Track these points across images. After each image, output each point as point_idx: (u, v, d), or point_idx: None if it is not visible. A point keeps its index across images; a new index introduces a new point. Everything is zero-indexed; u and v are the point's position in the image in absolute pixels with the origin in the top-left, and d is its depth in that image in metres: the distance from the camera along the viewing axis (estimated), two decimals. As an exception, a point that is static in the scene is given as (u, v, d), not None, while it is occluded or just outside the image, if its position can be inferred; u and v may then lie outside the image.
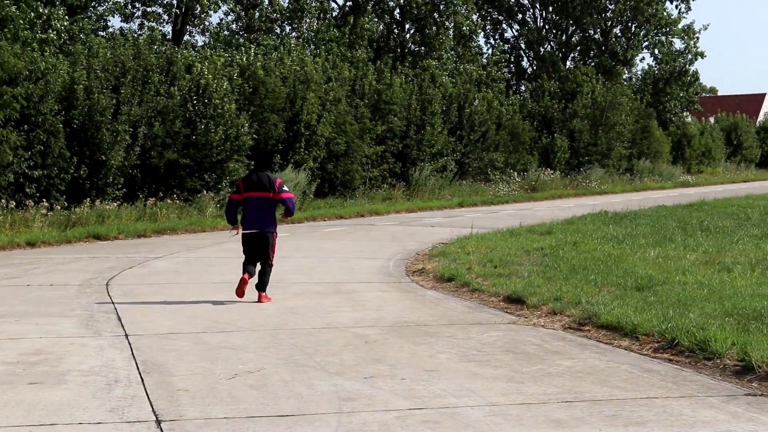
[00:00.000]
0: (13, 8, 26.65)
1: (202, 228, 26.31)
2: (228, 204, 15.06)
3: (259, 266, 14.20)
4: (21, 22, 26.69)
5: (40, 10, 29.85)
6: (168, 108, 28.89)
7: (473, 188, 42.47)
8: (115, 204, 26.58)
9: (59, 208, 25.28)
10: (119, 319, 11.87)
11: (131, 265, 18.01)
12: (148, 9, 39.47)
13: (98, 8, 36.36)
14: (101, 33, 34.50)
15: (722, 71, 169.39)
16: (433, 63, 47.84)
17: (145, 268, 17.76)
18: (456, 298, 13.82)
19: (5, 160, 24.12)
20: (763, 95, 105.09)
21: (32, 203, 24.62)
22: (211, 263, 18.51)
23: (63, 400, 7.85)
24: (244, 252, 14.37)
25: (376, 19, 51.49)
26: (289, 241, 23.05)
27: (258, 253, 14.28)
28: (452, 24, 52.64)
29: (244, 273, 13.95)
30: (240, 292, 13.74)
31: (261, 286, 14.07)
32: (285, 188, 14.63)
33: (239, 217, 14.54)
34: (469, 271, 15.84)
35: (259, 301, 13.90)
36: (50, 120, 25.41)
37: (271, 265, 14.40)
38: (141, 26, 38.64)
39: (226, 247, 21.45)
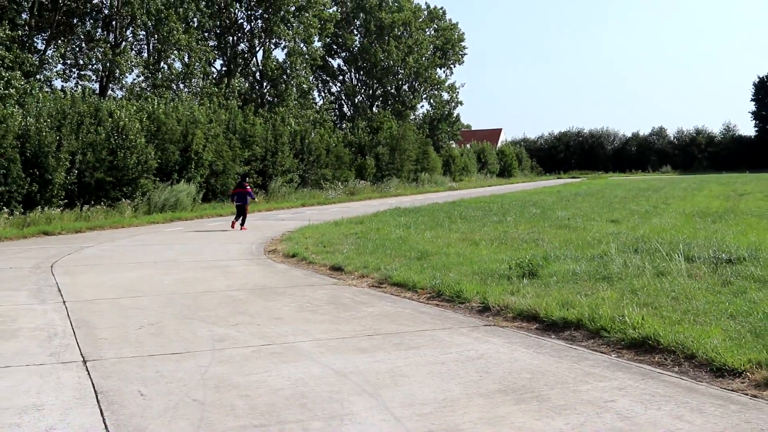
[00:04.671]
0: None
1: (122, 225, 25.49)
2: (231, 194, 25.24)
3: (241, 219, 23.57)
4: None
5: (3, 73, 28.48)
6: (96, 142, 27.99)
7: (311, 194, 42.38)
8: (59, 210, 25.60)
9: (18, 213, 24.29)
10: (59, 291, 11.46)
11: (70, 252, 17.38)
12: (82, 72, 38.06)
13: (45, 72, 34.87)
14: (47, 89, 33.04)
15: (474, 113, 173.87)
16: (283, 110, 47.58)
17: (80, 254, 17.16)
18: (297, 269, 13.77)
19: (-23, 180, 23.02)
20: (500, 130, 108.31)
21: (-2, 210, 23.61)
22: (127, 250, 18.01)
23: (16, 349, 7.59)
24: (236, 211, 23.94)
25: (243, 79, 50.87)
26: (184, 233, 22.63)
27: (240, 213, 23.71)
28: (296, 83, 52.42)
29: (233, 222, 23.75)
30: (233, 226, 23.54)
31: (242, 225, 23.52)
32: (249, 189, 24.45)
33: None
34: (307, 249, 15.80)
35: (241, 229, 22.97)
36: (9, 152, 24.35)
37: (245, 218, 23.71)
38: (76, 84, 37.15)
39: (138, 239, 20.94)
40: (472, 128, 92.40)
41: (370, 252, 14.57)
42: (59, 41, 36.75)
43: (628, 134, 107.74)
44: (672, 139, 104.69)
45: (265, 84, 52.59)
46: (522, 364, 6.68)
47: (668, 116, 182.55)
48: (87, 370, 6.70)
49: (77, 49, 38.02)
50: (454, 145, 75.19)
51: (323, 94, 69.50)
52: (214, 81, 46.50)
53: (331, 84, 70.37)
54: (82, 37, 37.87)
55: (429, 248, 14.57)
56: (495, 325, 8.39)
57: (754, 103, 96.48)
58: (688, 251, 11.99)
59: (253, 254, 16.49)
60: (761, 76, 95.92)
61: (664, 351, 6.83)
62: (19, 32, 32.26)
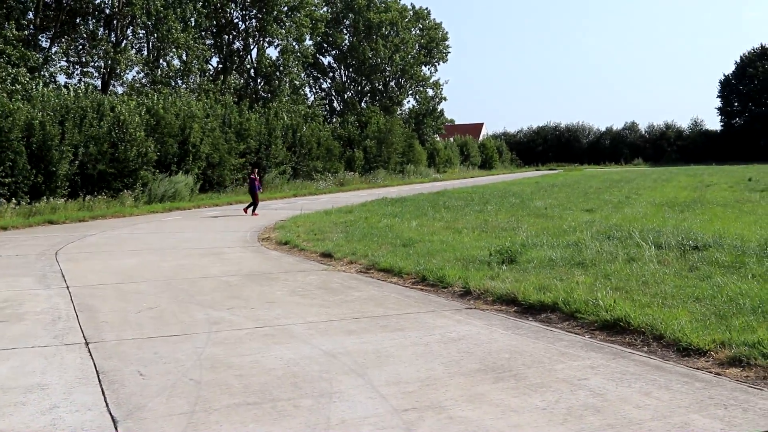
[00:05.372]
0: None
1: (123, 215, 25.37)
2: (250, 181, 25.99)
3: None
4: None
5: (9, 69, 28.23)
6: (98, 135, 27.81)
7: (303, 185, 42.24)
8: (63, 200, 25.46)
9: (24, 203, 24.13)
10: (63, 276, 11.42)
11: (73, 240, 17.30)
12: (85, 69, 37.72)
13: (50, 69, 34.55)
14: (51, 85, 32.75)
15: (457, 108, 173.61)
16: (276, 105, 47.40)
17: (83, 242, 17.09)
18: (289, 255, 13.76)
19: (-16, 172, 22.85)
20: (481, 124, 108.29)
21: (4, 201, 23.45)
22: (128, 238, 17.95)
23: (22, 331, 7.57)
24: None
25: (238, 76, 50.63)
26: (182, 222, 22.57)
27: (253, 199, 24.92)
28: (288, 79, 52.20)
29: (245, 208, 25.32)
30: (245, 212, 25.11)
31: (253, 211, 24.75)
32: (255, 179, 25.47)
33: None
34: (298, 237, 15.78)
35: (256, 215, 24.09)
36: (16, 144, 24.16)
37: (255, 206, 24.99)
38: (79, 81, 36.81)
39: (138, 227, 20.86)
40: (456, 122, 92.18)
41: (359, 239, 14.57)
42: (63, 39, 36.45)
43: (603, 129, 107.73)
44: (643, 133, 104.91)
45: (259, 80, 52.32)
46: (501, 345, 6.70)
47: (640, 111, 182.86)
48: (89, 352, 6.67)
49: (80, 47, 37.71)
50: (438, 139, 75.13)
51: (314, 90, 69.23)
52: (210, 78, 46.22)
53: (321, 80, 70.06)
54: (85, 35, 37.57)
55: (414, 236, 14.59)
56: (476, 308, 8.42)
57: (719, 99, 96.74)
58: (658, 238, 12.06)
59: (248, 242, 16.45)
60: (726, 74, 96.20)
61: (634, 332, 6.87)
62: (25, 31, 31.96)
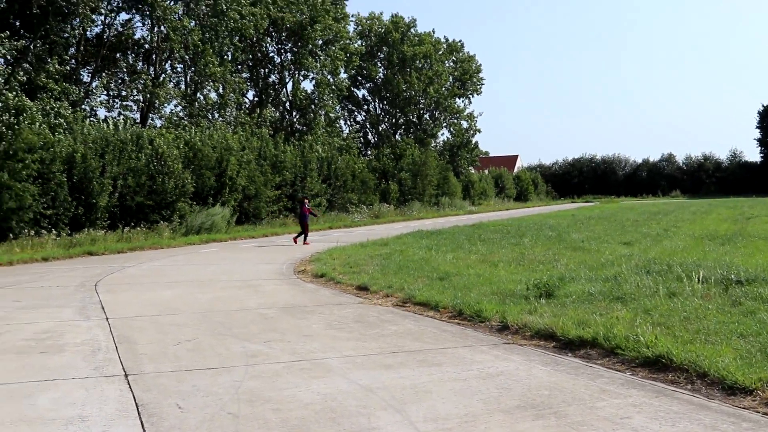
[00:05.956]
0: (29, 101, 25.74)
1: (161, 246, 25.67)
2: (300, 212, 27.65)
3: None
4: (35, 110, 25.78)
5: (52, 103, 28.91)
6: (137, 167, 28.30)
7: (338, 217, 42.45)
8: (102, 231, 25.88)
9: (64, 234, 24.58)
10: (103, 308, 11.54)
11: (112, 272, 17.53)
12: (124, 103, 38.52)
13: (90, 103, 35.33)
14: (92, 119, 33.46)
15: (492, 140, 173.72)
16: (311, 137, 47.85)
17: (122, 273, 17.30)
18: (325, 288, 13.75)
19: (27, 203, 23.34)
20: (516, 156, 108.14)
21: (46, 232, 23.90)
22: (165, 269, 18.13)
23: (62, 363, 7.64)
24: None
25: (274, 109, 51.26)
26: (219, 254, 22.76)
27: (303, 229, 26.76)
28: (323, 112, 52.74)
29: (295, 238, 27.11)
30: (294, 241, 26.66)
31: (304, 240, 26.42)
32: (307, 209, 27.33)
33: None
34: (334, 270, 15.77)
35: (307, 243, 25.83)
36: (58, 176, 24.68)
37: (306, 234, 26.69)
38: (119, 114, 37.54)
39: (175, 259, 21.08)
40: (490, 155, 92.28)
41: (394, 272, 14.51)
42: (104, 74, 37.28)
43: (639, 160, 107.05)
44: (681, 164, 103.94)
45: (294, 113, 52.93)
46: (540, 381, 6.61)
47: (677, 143, 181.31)
48: (128, 384, 6.72)
49: (120, 81, 38.52)
50: (473, 171, 75.15)
51: (349, 123, 69.87)
52: (246, 111, 46.87)
53: (356, 113, 70.67)
54: (125, 70, 38.41)
55: (450, 269, 14.51)
56: (514, 343, 8.33)
57: (759, 130, 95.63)
58: (699, 273, 11.86)
59: (284, 274, 16.51)
60: (766, 105, 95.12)
61: (677, 369, 6.74)
62: (67, 66, 32.74)
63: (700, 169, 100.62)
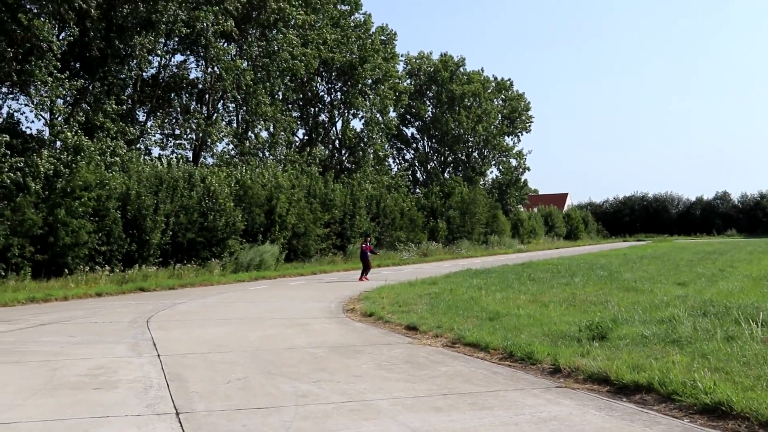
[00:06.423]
0: (87, 140, 26.49)
1: (211, 283, 25.96)
2: (361, 250, 28.70)
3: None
4: (93, 149, 26.50)
5: (109, 142, 29.71)
6: (189, 205, 28.79)
7: (387, 255, 42.46)
8: (155, 267, 26.31)
9: (117, 270, 25.03)
10: (154, 345, 11.68)
11: (164, 308, 17.76)
12: (178, 141, 39.34)
13: (145, 141, 36.22)
14: (146, 157, 34.25)
15: (541, 178, 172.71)
16: (360, 176, 48.21)
17: (173, 309, 17.52)
18: (374, 327, 13.71)
19: (82, 240, 23.90)
20: (566, 194, 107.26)
21: (99, 268, 24.39)
22: (216, 306, 18.29)
23: (115, 399, 7.73)
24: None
25: (323, 147, 51.83)
26: (268, 291, 22.90)
27: (364, 266, 27.67)
28: (372, 151, 53.13)
29: (360, 276, 27.44)
30: (360, 279, 26.93)
31: (362, 276, 27.27)
32: (368, 246, 28.25)
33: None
34: (383, 309, 15.72)
35: (366, 279, 26.68)
36: (113, 213, 25.23)
37: (366, 271, 27.71)
38: (172, 152, 38.34)
39: (225, 296, 21.27)
40: (539, 193, 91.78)
41: (444, 312, 14.42)
42: (158, 113, 38.24)
43: (692, 198, 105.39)
44: (736, 203, 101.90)
45: (343, 151, 53.48)
46: (594, 427, 6.47)
47: (731, 181, 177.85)
48: (180, 422, 6.77)
49: (174, 120, 39.44)
50: (522, 209, 74.75)
51: (398, 161, 70.29)
52: (296, 149, 47.48)
53: (405, 151, 71.08)
54: (179, 109, 39.33)
55: (500, 309, 14.36)
56: (566, 387, 8.17)
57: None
58: (758, 315, 11.53)
59: (332, 313, 16.52)
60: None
61: (737, 417, 6.53)
62: (123, 106, 33.67)
63: (757, 207, 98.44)
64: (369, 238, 29.44)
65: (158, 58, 36.60)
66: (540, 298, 16.45)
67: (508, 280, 22.31)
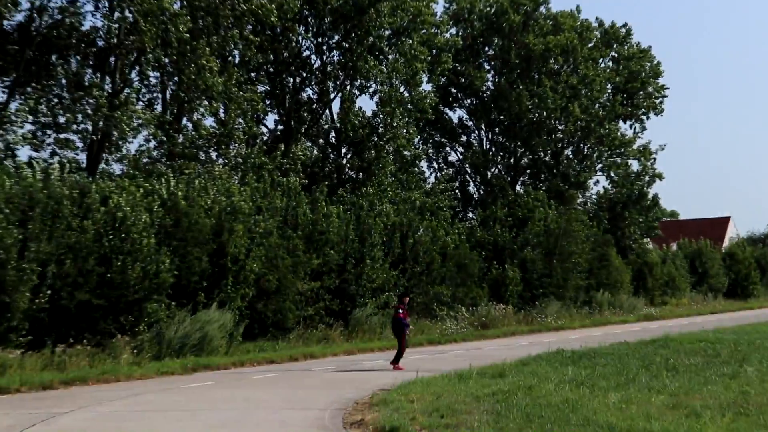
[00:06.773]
0: None
1: (116, 377, 25.72)
2: (394, 317, 29.45)
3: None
4: None
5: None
6: (80, 244, 28.64)
7: (418, 326, 42.10)
8: (19, 352, 26.08)
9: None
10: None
11: (33, 423, 17.48)
12: (62, 136, 38.97)
13: (6, 136, 36.01)
14: (6, 163, 34.12)
15: (683, 194, 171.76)
16: (373, 191, 48.06)
17: (48, 425, 17.27)
18: (398, 456, 13.48)
19: None
20: (727, 219, 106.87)
21: None
22: (125, 419, 18.02)
23: None
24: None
25: (310, 144, 51.80)
26: (214, 391, 22.73)
27: (400, 344, 28.71)
28: (393, 148, 52.75)
29: (394, 361, 28.39)
30: (394, 368, 27.85)
31: (394, 360, 28.37)
32: (402, 314, 28.87)
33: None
34: (413, 421, 15.59)
35: (399, 368, 27.61)
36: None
37: (400, 354, 28.47)
38: (52, 155, 38.15)
39: (144, 399, 21.02)
40: (679, 217, 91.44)
41: (519, 428, 14.38)
42: (29, 89, 38.13)
43: None
44: None
45: (343, 150, 53.42)
46: None
47: None
48: None
49: (56, 101, 39.28)
50: (650, 246, 74.37)
51: (436, 165, 70.23)
52: (263, 147, 47.38)
53: (448, 149, 71.03)
54: (64, 82, 39.09)
55: (616, 422, 14.38)
56: None
57: None
58: None
59: (327, 428, 16.36)
60: None
61: None
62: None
63: None
64: (407, 299, 29.86)
65: (28, -4, 36.72)
66: (686, 402, 16.45)
67: (630, 369, 22.37)
